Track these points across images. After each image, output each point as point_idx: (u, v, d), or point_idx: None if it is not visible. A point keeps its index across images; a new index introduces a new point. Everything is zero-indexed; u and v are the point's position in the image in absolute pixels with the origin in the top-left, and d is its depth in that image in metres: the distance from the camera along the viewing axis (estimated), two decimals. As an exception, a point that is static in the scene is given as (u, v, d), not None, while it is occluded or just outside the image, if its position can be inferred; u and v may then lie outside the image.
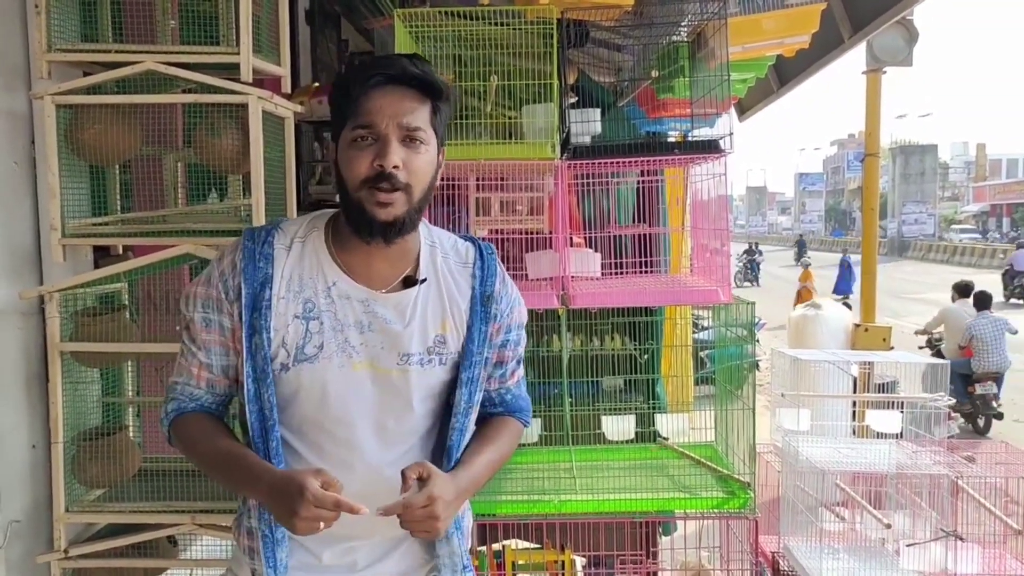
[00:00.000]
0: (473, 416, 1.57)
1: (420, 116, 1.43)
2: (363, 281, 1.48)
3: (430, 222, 1.64)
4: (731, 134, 2.66)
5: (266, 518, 1.48)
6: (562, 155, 2.73)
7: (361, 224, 1.43)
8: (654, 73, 3.21)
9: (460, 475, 1.47)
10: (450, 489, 1.40)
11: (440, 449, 1.55)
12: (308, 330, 1.45)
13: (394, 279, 1.51)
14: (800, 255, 27.24)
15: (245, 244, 1.48)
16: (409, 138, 1.42)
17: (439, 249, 1.57)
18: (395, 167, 1.39)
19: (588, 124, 2.85)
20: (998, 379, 8.37)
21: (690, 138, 3.03)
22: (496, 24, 2.72)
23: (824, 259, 36.68)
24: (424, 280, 1.51)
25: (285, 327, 1.45)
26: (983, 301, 8.80)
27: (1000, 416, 8.38)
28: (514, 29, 2.74)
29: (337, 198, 1.50)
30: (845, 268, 21.24)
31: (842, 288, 20.77)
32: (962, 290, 9.32)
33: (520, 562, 2.89)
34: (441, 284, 1.54)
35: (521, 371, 1.72)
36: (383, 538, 1.54)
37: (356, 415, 1.47)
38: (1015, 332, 8.78)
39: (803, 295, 14.73)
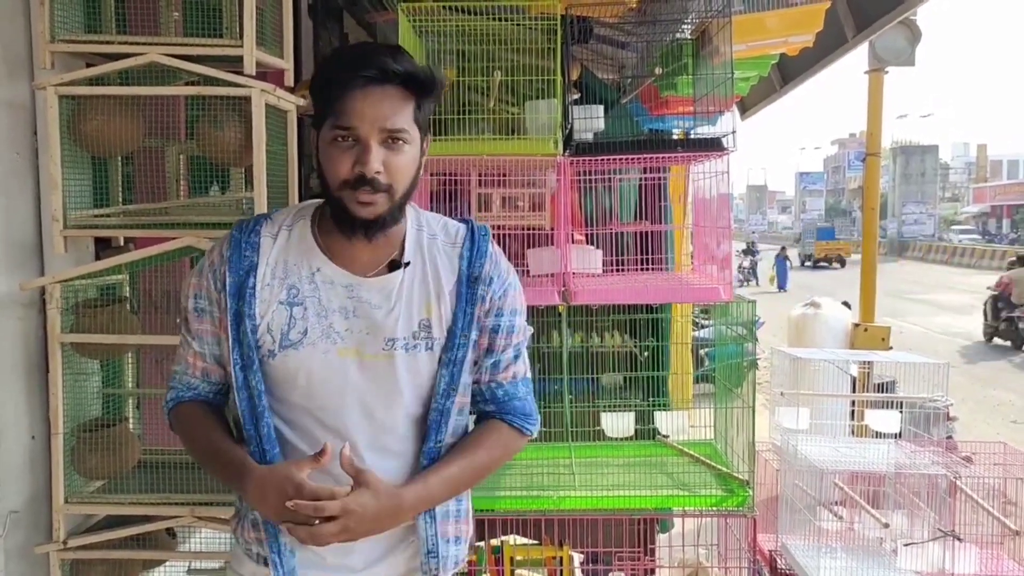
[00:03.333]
0: (457, 400, 1.53)
1: (402, 117, 1.42)
2: (347, 267, 1.49)
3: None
4: (734, 132, 2.66)
5: None
6: (565, 151, 2.73)
7: (343, 222, 1.45)
8: (658, 70, 3.20)
9: (406, 493, 1.44)
10: (378, 507, 1.38)
11: (424, 432, 1.55)
12: (292, 316, 1.47)
13: (379, 264, 1.51)
14: None
15: (233, 234, 1.51)
16: (391, 139, 1.42)
17: (426, 231, 1.57)
18: (377, 172, 1.40)
19: (591, 121, 2.85)
20: None
21: (692, 135, 3.03)
22: (500, 20, 2.71)
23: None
24: (408, 264, 1.51)
25: (270, 314, 1.46)
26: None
27: None
28: (518, 25, 2.74)
29: (321, 189, 1.52)
30: (782, 263, 24.02)
31: (781, 283, 23.55)
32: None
33: (518, 558, 2.89)
34: (427, 267, 1.53)
35: (520, 369, 1.64)
36: (381, 537, 1.53)
37: (342, 402, 1.47)
38: None
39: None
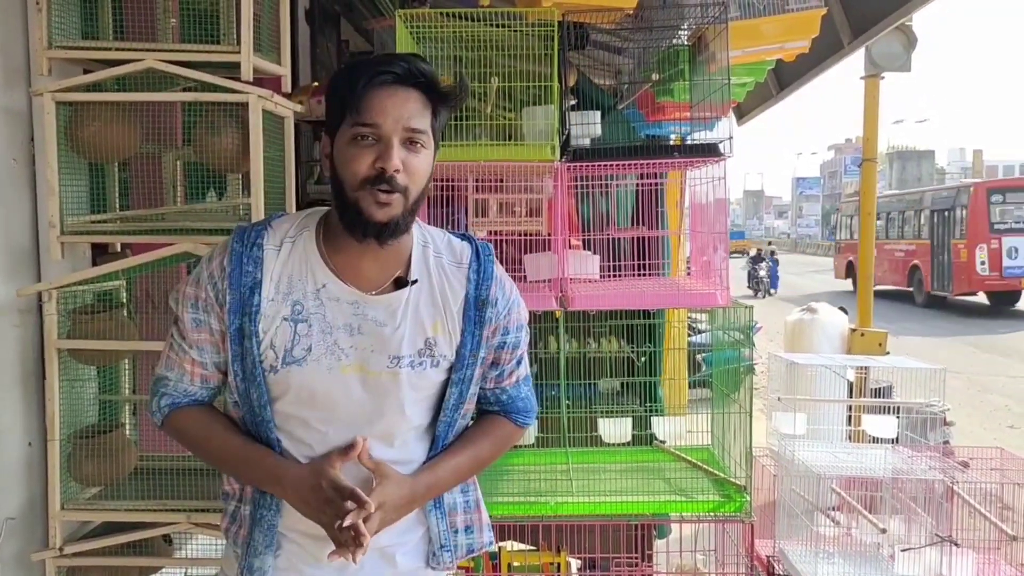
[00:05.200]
0: (463, 410, 1.58)
1: (423, 119, 1.42)
2: (353, 282, 1.47)
3: (428, 223, 1.64)
4: (731, 138, 2.66)
5: (253, 497, 1.52)
6: (562, 157, 2.73)
7: (356, 224, 1.41)
8: (655, 76, 3.21)
9: (419, 480, 1.50)
10: (402, 495, 1.45)
11: (431, 440, 1.57)
12: (296, 332, 1.44)
13: (385, 280, 1.49)
14: None
15: (233, 247, 1.47)
16: (410, 140, 1.41)
17: (432, 248, 1.55)
18: (396, 170, 1.38)
19: (588, 127, 2.85)
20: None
21: (689, 141, 3.04)
22: (497, 26, 2.72)
23: (822, 264, 36.92)
24: (415, 281, 1.50)
25: (273, 329, 1.44)
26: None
27: None
28: (515, 31, 2.75)
29: (332, 195, 1.48)
30: (773, 264, 24.04)
31: (773, 285, 23.58)
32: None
33: (516, 563, 2.89)
34: (434, 285, 1.52)
35: (522, 371, 1.68)
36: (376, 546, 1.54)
37: (345, 418, 1.47)
38: None
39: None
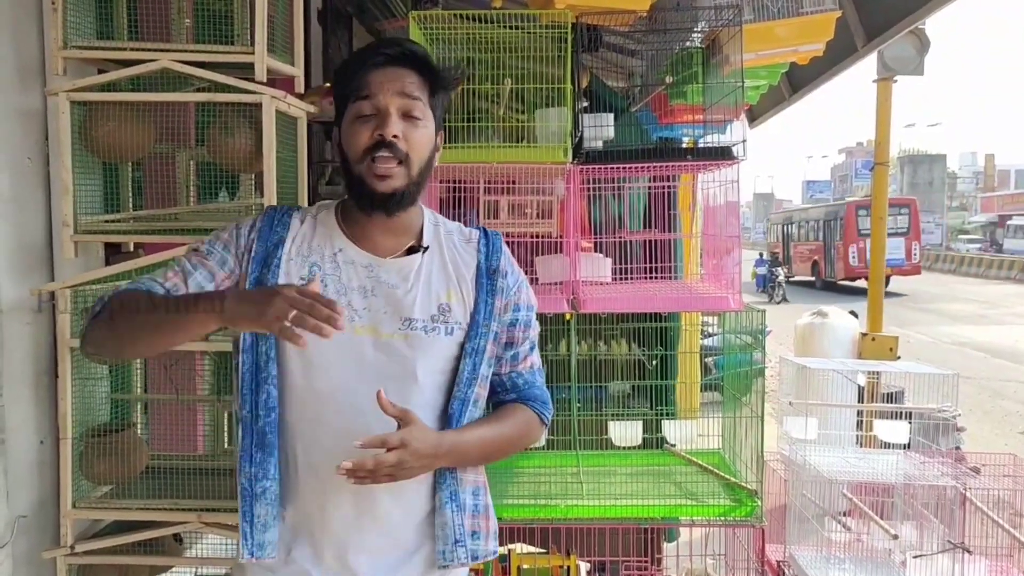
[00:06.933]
0: (477, 389, 1.58)
1: (419, 90, 1.50)
2: (368, 249, 1.55)
3: None
4: (744, 141, 2.66)
5: (246, 470, 1.50)
6: (574, 159, 2.73)
7: (363, 196, 1.50)
8: (668, 79, 3.20)
9: (446, 436, 1.48)
10: (428, 441, 1.40)
11: (443, 421, 1.56)
12: None
13: (398, 248, 1.57)
14: None
15: (268, 212, 1.60)
16: (408, 113, 1.48)
17: (442, 227, 1.64)
18: (395, 136, 1.46)
19: (601, 129, 2.85)
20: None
21: (701, 144, 3.03)
22: (510, 28, 2.72)
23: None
24: (427, 248, 1.57)
25: None
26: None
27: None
28: (528, 33, 2.75)
29: (343, 177, 1.56)
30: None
31: (760, 283, 24.48)
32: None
33: (525, 566, 2.88)
34: (445, 254, 1.59)
35: (536, 360, 1.71)
36: (385, 546, 1.53)
37: (356, 380, 1.48)
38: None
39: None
